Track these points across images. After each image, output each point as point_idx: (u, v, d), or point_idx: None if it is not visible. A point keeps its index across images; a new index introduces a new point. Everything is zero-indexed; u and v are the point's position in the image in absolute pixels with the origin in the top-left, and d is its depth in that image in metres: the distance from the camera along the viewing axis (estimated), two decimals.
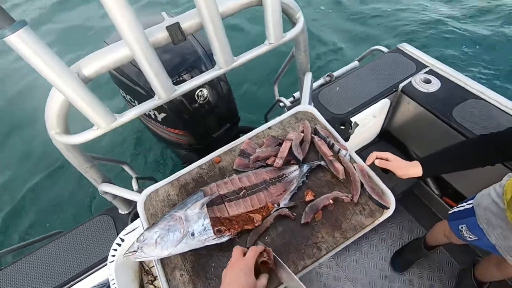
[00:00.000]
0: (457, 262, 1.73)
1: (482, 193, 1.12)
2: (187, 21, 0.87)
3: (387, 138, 2.02)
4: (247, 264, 0.67)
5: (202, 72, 1.54)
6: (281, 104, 1.96)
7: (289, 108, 1.72)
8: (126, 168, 1.52)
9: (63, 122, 0.89)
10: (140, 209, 0.93)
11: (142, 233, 0.80)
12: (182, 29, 0.86)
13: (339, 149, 0.97)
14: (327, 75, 1.83)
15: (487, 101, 1.50)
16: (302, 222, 0.84)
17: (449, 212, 1.27)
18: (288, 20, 1.10)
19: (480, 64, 3.53)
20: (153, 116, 1.60)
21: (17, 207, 2.88)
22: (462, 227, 1.19)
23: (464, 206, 1.19)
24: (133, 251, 0.77)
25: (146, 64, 0.82)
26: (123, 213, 1.39)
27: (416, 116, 1.69)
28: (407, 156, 1.97)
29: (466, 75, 1.62)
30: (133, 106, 1.67)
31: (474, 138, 0.93)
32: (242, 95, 3.43)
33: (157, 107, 1.05)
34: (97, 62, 0.81)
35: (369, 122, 1.74)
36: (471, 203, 1.15)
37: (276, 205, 0.87)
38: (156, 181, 1.56)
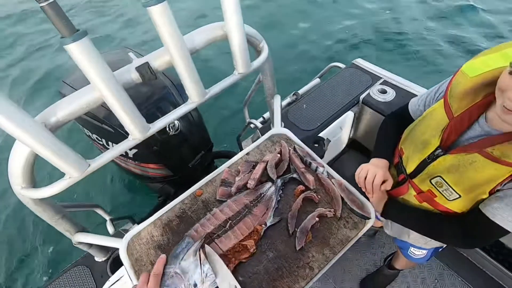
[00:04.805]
0: None
1: None
2: (157, 60, 0.87)
3: (355, 147, 2.14)
4: None
5: (171, 103, 1.55)
6: (252, 125, 2.00)
7: (261, 129, 1.77)
8: (99, 211, 1.43)
9: (29, 175, 0.83)
10: (123, 255, 0.88)
11: None
12: (152, 68, 0.87)
13: (317, 167, 1.01)
14: (293, 94, 1.91)
15: None
16: (297, 248, 0.85)
17: None
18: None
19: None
20: (123, 153, 1.55)
21: None
22: None
23: None
24: None
25: (119, 106, 0.81)
26: (100, 260, 1.29)
27: (378, 124, 1.81)
28: None
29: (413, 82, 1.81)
30: (100, 144, 1.62)
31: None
32: (213, 120, 3.44)
33: None
34: (65, 110, 0.78)
35: (337, 134, 1.84)
36: None
37: (263, 226, 0.87)
38: (134, 219, 1.48)
